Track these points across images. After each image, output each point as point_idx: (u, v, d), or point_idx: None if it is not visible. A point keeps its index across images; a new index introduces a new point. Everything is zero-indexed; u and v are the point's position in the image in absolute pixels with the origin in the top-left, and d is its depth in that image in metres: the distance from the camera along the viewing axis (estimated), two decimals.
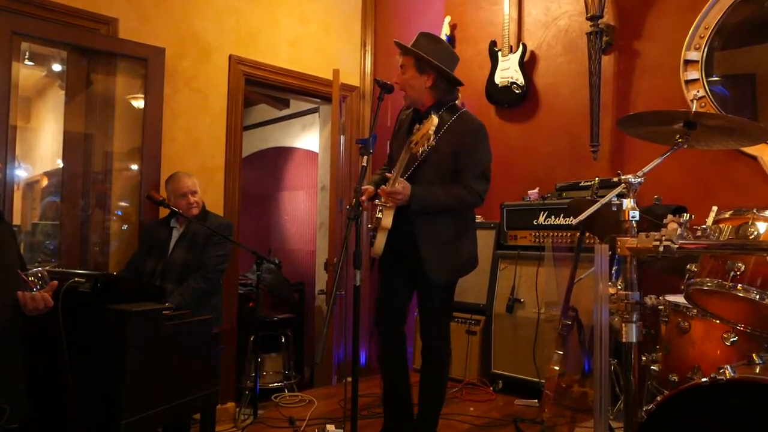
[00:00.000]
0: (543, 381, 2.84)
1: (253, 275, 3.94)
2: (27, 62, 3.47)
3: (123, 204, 3.38)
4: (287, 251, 5.78)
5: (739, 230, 1.68)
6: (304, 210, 5.70)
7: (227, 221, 3.31)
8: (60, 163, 3.28)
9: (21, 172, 3.71)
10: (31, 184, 3.99)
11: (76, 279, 1.98)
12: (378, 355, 2.61)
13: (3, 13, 2.88)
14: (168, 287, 2.81)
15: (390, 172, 2.35)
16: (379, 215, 2.37)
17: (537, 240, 3.31)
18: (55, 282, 1.90)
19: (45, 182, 3.87)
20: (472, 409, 3.12)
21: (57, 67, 3.57)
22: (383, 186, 2.24)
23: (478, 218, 3.75)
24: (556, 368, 2.61)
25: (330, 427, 2.87)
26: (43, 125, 4.20)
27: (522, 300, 3.36)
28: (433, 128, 2.10)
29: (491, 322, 3.49)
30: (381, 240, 2.35)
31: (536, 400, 3.12)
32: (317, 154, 5.08)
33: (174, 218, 3.11)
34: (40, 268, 1.91)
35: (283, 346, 4.50)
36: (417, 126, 2.22)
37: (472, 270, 2.52)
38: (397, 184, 2.21)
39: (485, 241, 3.62)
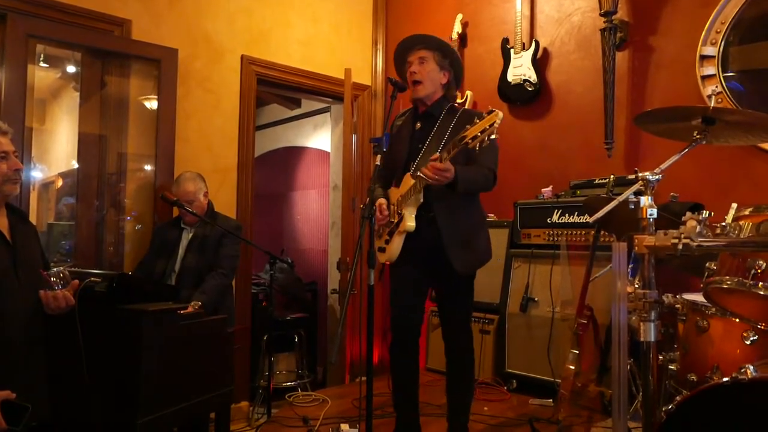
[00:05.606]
0: (558, 380, 2.82)
1: (266, 275, 3.95)
2: (42, 64, 3.50)
3: (137, 204, 3.40)
4: (299, 251, 5.79)
5: (759, 227, 1.65)
6: (316, 209, 5.70)
7: (237, 222, 3.31)
8: (75, 164, 3.30)
9: (36, 174, 3.74)
10: (46, 185, 4.03)
11: (92, 279, 1.99)
12: (392, 358, 2.61)
13: (19, 16, 2.91)
14: (184, 293, 2.77)
15: (375, 183, 2.43)
16: (392, 220, 2.44)
17: (551, 238, 3.29)
18: (77, 281, 1.93)
19: (60, 183, 3.91)
20: (486, 408, 3.10)
21: (71, 69, 3.60)
22: (431, 162, 2.18)
23: (491, 217, 3.74)
24: (572, 367, 2.60)
25: (344, 426, 2.87)
26: (58, 127, 4.24)
27: (536, 299, 3.33)
28: (499, 122, 2.06)
29: (505, 321, 3.47)
30: (398, 244, 2.43)
31: (551, 400, 3.10)
32: (329, 153, 5.08)
33: (183, 219, 3.10)
34: (61, 268, 1.93)
35: (296, 345, 4.52)
36: (470, 123, 2.14)
37: (488, 261, 2.56)
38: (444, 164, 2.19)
39: (498, 239, 3.60)
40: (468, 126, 2.13)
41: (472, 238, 2.46)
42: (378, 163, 2.08)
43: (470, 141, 2.10)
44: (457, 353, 2.52)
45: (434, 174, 2.17)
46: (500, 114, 2.08)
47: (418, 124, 2.53)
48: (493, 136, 2.07)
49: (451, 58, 2.52)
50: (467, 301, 2.54)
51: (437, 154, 2.19)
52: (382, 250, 2.51)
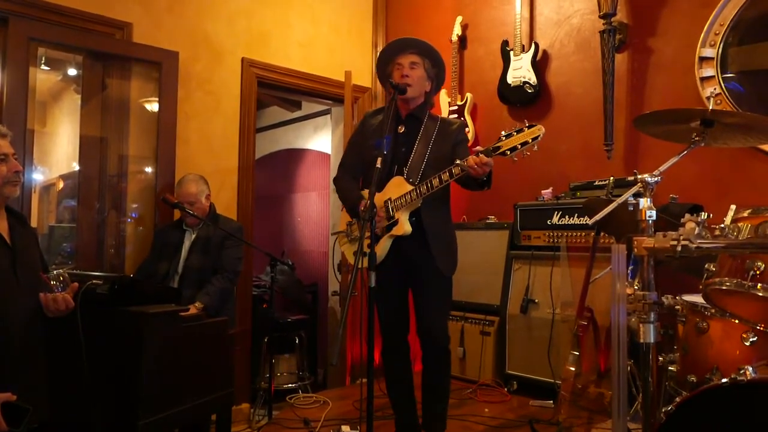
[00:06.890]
0: (558, 382, 2.82)
1: (266, 277, 3.96)
2: (43, 67, 3.51)
3: (138, 206, 3.41)
4: (300, 252, 5.79)
5: (758, 229, 1.65)
6: (316, 211, 5.71)
7: (238, 224, 3.33)
8: (76, 167, 3.31)
9: (37, 176, 3.75)
10: (47, 188, 4.04)
11: (94, 281, 2.00)
12: (386, 360, 2.63)
13: (20, 19, 2.92)
14: (186, 293, 2.81)
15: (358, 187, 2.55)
16: (383, 224, 2.44)
17: (551, 240, 3.29)
18: (76, 284, 1.93)
19: (61, 185, 3.92)
20: (486, 410, 3.10)
21: (72, 72, 3.61)
22: (480, 154, 2.18)
23: (492, 218, 3.74)
24: (572, 369, 2.60)
25: (345, 428, 2.88)
26: (59, 129, 4.25)
27: (536, 300, 3.34)
28: (542, 136, 2.09)
29: (505, 323, 3.47)
30: (387, 246, 2.43)
31: (551, 401, 3.10)
32: (329, 155, 5.09)
33: (184, 221, 3.12)
34: (60, 271, 1.94)
35: (296, 347, 4.52)
36: (505, 133, 2.18)
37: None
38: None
39: (499, 241, 3.61)
40: (503, 137, 2.16)
41: (450, 241, 2.54)
42: (378, 165, 2.08)
43: (508, 152, 2.14)
44: (439, 353, 2.51)
45: (477, 165, 2.17)
46: (543, 128, 2.10)
47: (401, 128, 2.52)
48: (535, 149, 2.11)
49: (438, 68, 2.55)
50: (448, 300, 2.57)
51: (480, 147, 2.22)
52: (365, 254, 2.49)
